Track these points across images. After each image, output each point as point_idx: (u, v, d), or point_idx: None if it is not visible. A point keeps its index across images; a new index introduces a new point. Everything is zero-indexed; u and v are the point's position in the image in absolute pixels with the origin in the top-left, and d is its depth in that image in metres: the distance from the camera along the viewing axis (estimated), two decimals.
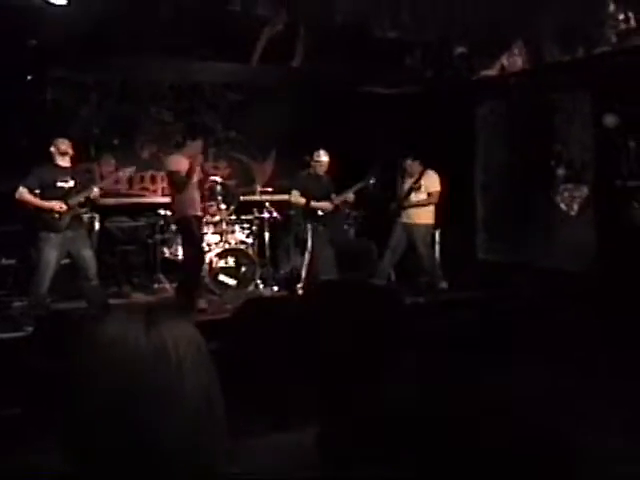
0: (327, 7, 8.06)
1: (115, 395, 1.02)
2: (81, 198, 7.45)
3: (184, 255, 8.51)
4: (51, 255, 7.26)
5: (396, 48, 9.12)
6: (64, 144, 7.41)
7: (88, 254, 7.51)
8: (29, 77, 9.19)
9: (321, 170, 8.83)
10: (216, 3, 7.95)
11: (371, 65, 9.27)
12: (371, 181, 9.10)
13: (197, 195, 8.18)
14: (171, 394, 1.04)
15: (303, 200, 8.73)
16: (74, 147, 7.49)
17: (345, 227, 9.61)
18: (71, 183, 7.39)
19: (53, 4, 7.14)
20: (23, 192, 7.21)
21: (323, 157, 8.80)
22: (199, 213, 8.23)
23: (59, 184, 7.33)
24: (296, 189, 8.81)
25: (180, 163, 7.95)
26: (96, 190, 7.55)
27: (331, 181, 8.96)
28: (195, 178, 8.00)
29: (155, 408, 1.02)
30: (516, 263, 9.67)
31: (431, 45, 9.35)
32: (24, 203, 7.30)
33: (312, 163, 8.82)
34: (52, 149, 7.37)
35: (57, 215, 7.27)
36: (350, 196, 8.99)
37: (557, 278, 8.66)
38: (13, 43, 7.93)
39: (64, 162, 7.41)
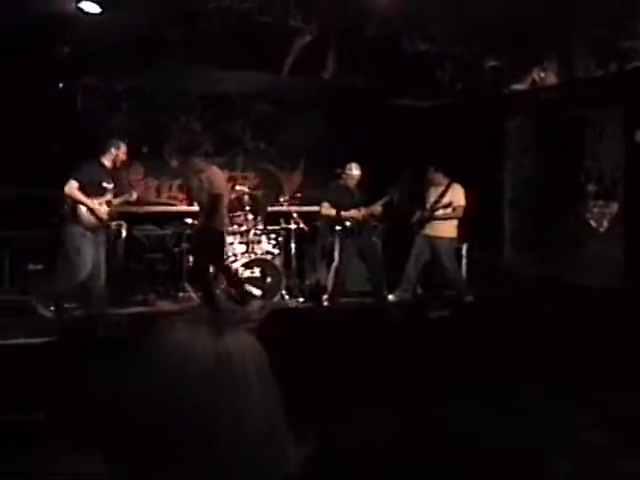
0: (359, 18, 8.06)
1: (181, 404, 1.01)
2: (121, 201, 7.57)
3: None
4: (88, 253, 7.30)
5: (427, 61, 9.08)
6: (125, 151, 7.60)
7: (103, 257, 7.58)
8: (61, 85, 9.26)
9: (352, 183, 8.78)
10: (248, 14, 7.96)
11: (401, 78, 9.24)
12: (395, 196, 9.01)
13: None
14: (237, 405, 1.02)
15: (334, 211, 8.68)
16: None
17: (374, 239, 9.45)
18: (111, 185, 7.49)
19: (86, 12, 7.19)
20: (73, 186, 7.23)
21: (355, 170, 8.75)
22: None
23: (103, 184, 7.43)
24: (327, 201, 8.77)
25: None
26: (135, 195, 7.70)
27: (363, 194, 8.89)
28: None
29: (221, 418, 1.01)
30: (544, 277, 9.56)
31: (462, 58, 9.29)
32: (71, 197, 7.33)
33: (343, 175, 8.79)
34: (113, 150, 7.48)
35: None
36: (377, 209, 8.92)
37: (585, 294, 8.56)
38: (46, 51, 7.99)
39: (109, 163, 7.49)
